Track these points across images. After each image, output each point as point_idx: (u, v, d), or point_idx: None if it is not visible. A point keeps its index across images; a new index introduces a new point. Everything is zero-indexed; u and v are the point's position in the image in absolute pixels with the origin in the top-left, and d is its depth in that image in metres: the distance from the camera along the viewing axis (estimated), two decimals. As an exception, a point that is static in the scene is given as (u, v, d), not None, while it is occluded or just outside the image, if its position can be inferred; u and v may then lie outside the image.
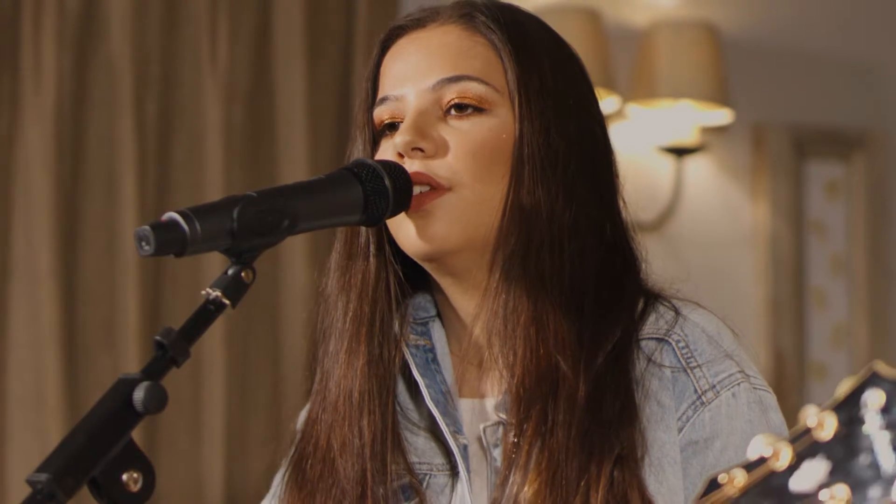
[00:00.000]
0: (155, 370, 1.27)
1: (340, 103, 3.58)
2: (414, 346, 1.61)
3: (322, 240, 1.69)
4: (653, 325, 1.57)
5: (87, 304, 3.40)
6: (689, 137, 3.92)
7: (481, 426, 1.56)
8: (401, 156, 1.54)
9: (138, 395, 1.25)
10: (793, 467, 0.93)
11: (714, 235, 3.99)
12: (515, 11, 1.62)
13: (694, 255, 3.90)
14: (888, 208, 4.12)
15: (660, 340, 1.55)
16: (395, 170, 1.52)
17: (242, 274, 1.35)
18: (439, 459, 1.59)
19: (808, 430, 0.94)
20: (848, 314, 4.07)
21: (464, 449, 1.56)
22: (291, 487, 1.61)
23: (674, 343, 1.55)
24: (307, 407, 1.67)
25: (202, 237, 1.33)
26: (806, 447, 0.93)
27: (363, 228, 1.59)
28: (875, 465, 0.92)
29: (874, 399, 0.92)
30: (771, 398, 1.57)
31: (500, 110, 1.56)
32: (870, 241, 4.08)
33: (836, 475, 0.92)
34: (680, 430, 1.52)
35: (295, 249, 3.45)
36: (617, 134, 3.57)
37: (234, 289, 1.34)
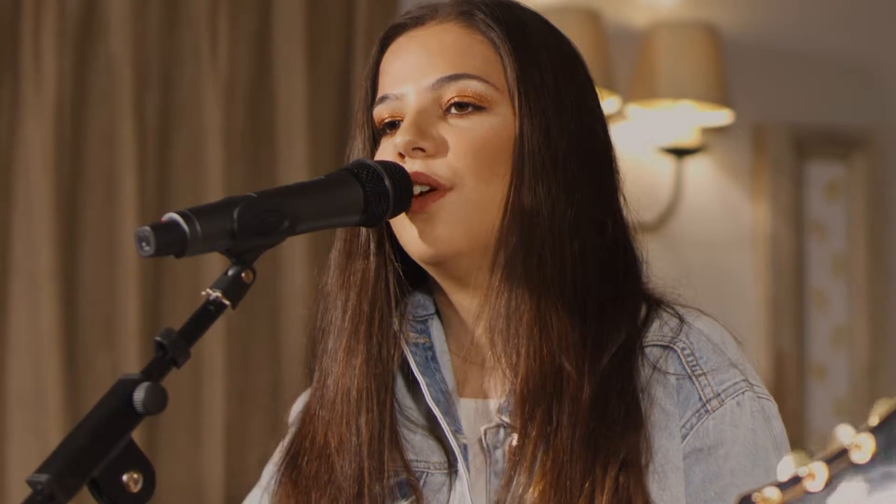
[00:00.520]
0: (155, 371, 1.27)
1: (340, 104, 3.58)
2: (413, 345, 1.60)
3: (322, 240, 1.69)
4: (657, 331, 1.56)
5: (87, 304, 3.40)
6: (689, 138, 3.92)
7: (482, 427, 1.56)
8: (401, 155, 1.54)
9: (138, 395, 1.25)
10: (830, 489, 0.92)
11: (714, 236, 3.98)
12: (515, 8, 1.62)
13: (694, 256, 3.90)
14: (888, 209, 4.12)
15: (665, 348, 1.55)
16: (395, 170, 1.51)
17: (243, 274, 1.35)
18: (437, 458, 1.58)
19: (844, 451, 0.92)
20: (848, 315, 4.07)
21: (464, 449, 1.56)
22: (286, 483, 1.60)
23: (679, 351, 1.54)
24: (299, 401, 1.67)
25: (202, 238, 1.33)
26: (842, 469, 0.92)
27: (363, 227, 1.59)
28: (914, 492, 0.91)
29: (915, 423, 0.91)
30: (773, 407, 1.56)
31: (501, 108, 1.55)
32: (870, 242, 4.08)
33: (873, 499, 0.91)
34: (683, 437, 1.52)
35: (295, 249, 3.45)
36: (617, 134, 3.55)
37: (235, 289, 1.34)
